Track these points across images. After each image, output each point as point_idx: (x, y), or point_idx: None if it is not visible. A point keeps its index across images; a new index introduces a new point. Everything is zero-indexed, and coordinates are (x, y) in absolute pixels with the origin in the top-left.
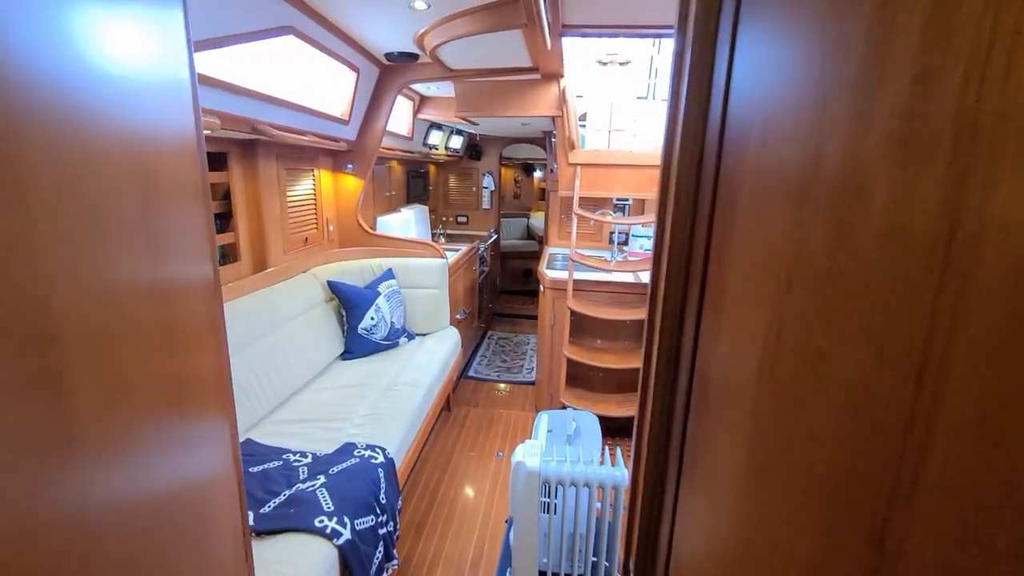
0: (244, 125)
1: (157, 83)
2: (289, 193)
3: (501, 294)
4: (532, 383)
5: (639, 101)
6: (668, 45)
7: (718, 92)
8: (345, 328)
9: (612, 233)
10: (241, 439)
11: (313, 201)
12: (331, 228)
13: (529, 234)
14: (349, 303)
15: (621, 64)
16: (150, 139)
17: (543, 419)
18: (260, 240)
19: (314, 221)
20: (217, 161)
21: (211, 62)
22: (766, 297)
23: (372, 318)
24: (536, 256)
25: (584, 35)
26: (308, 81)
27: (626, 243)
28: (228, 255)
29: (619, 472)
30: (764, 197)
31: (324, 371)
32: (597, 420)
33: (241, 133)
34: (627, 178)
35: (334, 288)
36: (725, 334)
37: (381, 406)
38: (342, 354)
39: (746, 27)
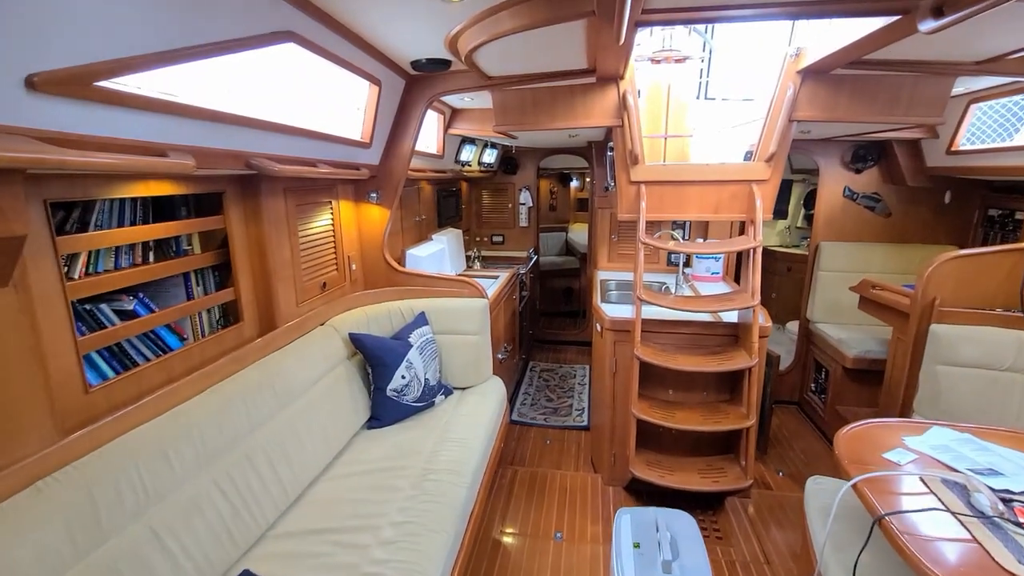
0: (236, 162)
1: None
2: (302, 232)
3: (541, 316)
4: (585, 428)
5: (697, 103)
6: (724, 33)
7: None
8: (371, 389)
9: (672, 254)
10: (237, 571)
11: (332, 239)
12: (353, 268)
13: (568, 249)
14: (376, 361)
15: (677, 61)
16: None
17: (624, 524)
18: (267, 292)
19: (333, 262)
20: (210, 204)
21: (185, 84)
22: None
23: (403, 377)
24: (576, 273)
25: (672, 24)
26: (319, 100)
27: (688, 264)
28: (229, 315)
29: None
30: None
31: (346, 448)
32: (695, 524)
33: (235, 170)
34: (703, 196)
35: (358, 343)
36: None
37: (416, 507)
38: (368, 421)
39: None
